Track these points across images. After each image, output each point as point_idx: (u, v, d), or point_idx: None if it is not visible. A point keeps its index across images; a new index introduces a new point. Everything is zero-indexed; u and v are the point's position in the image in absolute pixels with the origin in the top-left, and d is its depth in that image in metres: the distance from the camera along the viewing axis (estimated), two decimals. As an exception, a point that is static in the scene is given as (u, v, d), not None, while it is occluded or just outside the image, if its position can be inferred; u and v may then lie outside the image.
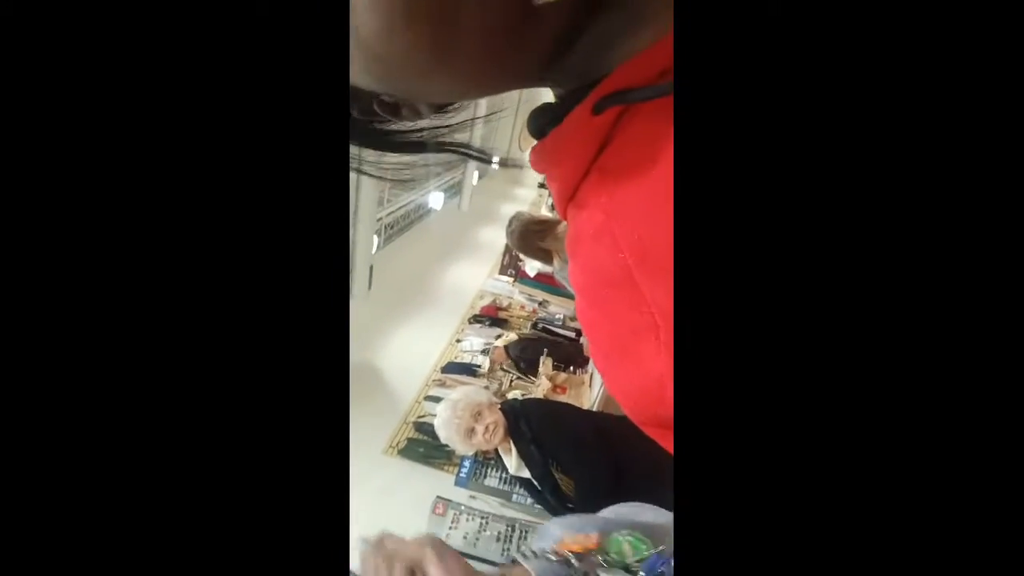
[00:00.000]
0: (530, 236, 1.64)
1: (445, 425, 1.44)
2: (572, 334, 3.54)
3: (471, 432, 1.42)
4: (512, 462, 1.45)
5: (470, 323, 3.91)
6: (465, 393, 1.55)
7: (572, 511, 1.46)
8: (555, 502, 1.46)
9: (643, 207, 0.22)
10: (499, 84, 0.26)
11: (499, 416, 1.46)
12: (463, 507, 1.98)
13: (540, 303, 4.13)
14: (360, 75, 0.22)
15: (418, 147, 0.33)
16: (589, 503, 1.40)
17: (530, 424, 1.45)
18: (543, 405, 1.65)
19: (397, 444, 2.76)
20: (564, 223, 1.56)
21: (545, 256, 1.70)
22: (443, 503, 1.95)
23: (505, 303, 4.28)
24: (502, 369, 3.05)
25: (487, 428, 1.42)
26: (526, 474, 1.46)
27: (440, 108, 0.31)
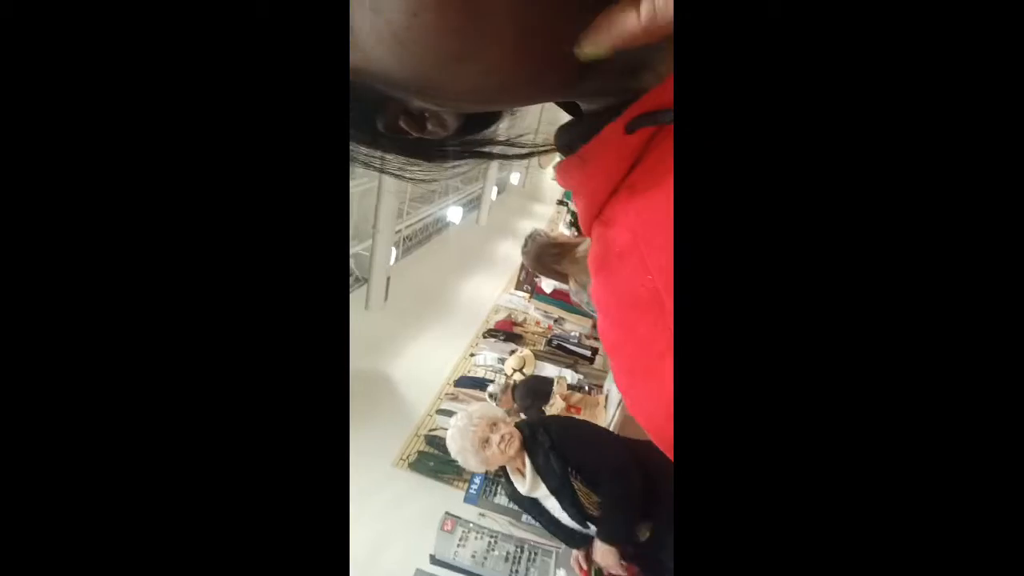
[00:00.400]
0: (546, 258, 1.64)
1: (461, 433, 1.42)
2: (587, 352, 3.52)
3: (486, 443, 1.40)
4: (525, 481, 1.42)
5: (484, 337, 3.91)
6: (482, 406, 1.55)
7: (590, 530, 1.42)
8: (576, 516, 1.42)
9: (671, 229, 0.22)
10: (530, 90, 0.25)
11: (515, 430, 1.45)
12: (472, 525, 1.95)
13: (556, 320, 4.11)
14: (386, 61, 0.21)
15: (444, 156, 0.33)
16: (616, 518, 1.35)
17: (549, 432, 1.42)
18: (563, 418, 1.63)
19: (408, 457, 2.75)
20: (581, 246, 1.58)
21: (560, 278, 1.70)
22: (452, 520, 1.93)
23: (520, 318, 4.28)
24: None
25: (502, 438, 1.40)
26: (539, 493, 1.43)
27: (467, 121, 0.31)
